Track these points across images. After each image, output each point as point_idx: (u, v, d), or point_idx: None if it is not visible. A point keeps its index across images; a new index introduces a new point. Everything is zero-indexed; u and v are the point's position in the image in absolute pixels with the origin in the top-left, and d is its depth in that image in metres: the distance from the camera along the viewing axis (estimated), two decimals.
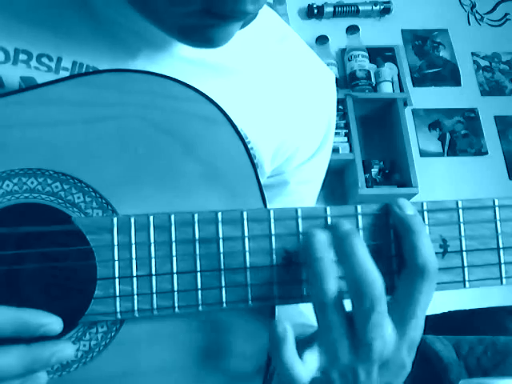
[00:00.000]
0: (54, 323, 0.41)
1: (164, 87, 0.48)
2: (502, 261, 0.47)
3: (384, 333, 0.43)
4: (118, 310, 0.44)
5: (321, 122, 0.71)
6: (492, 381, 1.11)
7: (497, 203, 0.47)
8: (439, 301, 2.27)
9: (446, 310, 1.81)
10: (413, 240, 0.43)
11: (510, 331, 1.66)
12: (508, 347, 1.35)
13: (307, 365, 0.44)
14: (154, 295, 0.44)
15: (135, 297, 0.44)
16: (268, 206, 0.47)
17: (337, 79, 2.63)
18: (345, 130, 2.52)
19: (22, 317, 0.40)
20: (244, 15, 0.47)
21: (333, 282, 0.42)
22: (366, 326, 0.42)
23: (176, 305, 0.44)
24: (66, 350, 0.42)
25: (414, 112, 2.78)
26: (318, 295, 0.43)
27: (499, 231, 0.47)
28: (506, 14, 3.06)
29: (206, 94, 0.48)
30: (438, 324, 1.77)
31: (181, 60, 0.58)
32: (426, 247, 0.43)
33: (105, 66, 0.54)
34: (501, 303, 1.94)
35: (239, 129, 0.48)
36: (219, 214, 0.45)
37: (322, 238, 0.43)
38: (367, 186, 2.44)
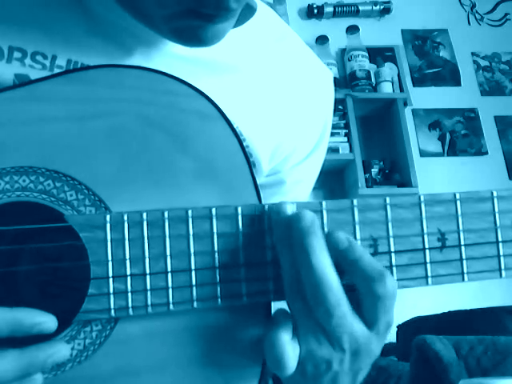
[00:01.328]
0: (49, 321, 0.41)
1: (157, 82, 0.47)
2: (501, 253, 0.47)
3: (350, 329, 0.43)
4: (112, 307, 0.44)
5: (317, 122, 0.71)
6: (492, 381, 1.10)
7: (495, 195, 0.47)
8: (439, 301, 2.27)
9: (445, 310, 1.81)
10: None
11: (510, 331, 1.65)
12: (508, 347, 1.34)
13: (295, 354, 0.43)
14: (148, 292, 0.44)
15: (129, 294, 0.44)
16: (263, 201, 0.47)
17: (337, 79, 2.64)
18: (345, 130, 2.53)
19: (16, 316, 0.40)
20: (228, 12, 0.47)
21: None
22: (330, 324, 0.42)
23: (170, 302, 0.44)
24: (61, 351, 0.42)
25: (414, 112, 2.78)
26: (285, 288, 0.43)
27: (498, 224, 0.47)
28: (506, 14, 3.07)
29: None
30: (438, 324, 1.76)
31: (176, 58, 0.58)
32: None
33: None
34: (501, 303, 1.94)
35: (235, 126, 0.48)
36: (213, 210, 0.44)
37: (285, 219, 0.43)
38: (367, 186, 2.44)
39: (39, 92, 0.47)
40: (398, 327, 1.87)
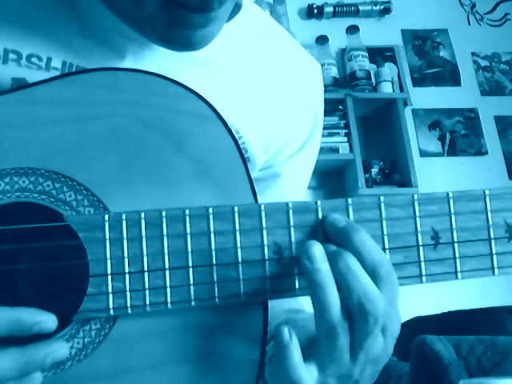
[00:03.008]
0: (49, 321, 0.41)
1: (153, 84, 0.48)
2: (494, 251, 0.47)
3: (378, 338, 0.44)
4: (111, 306, 0.44)
5: (308, 114, 0.71)
6: (492, 381, 1.10)
7: (487, 193, 0.47)
8: (439, 301, 2.27)
9: (445, 310, 1.81)
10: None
11: (510, 331, 1.65)
12: (508, 347, 1.34)
13: (310, 372, 0.44)
14: (147, 291, 0.44)
15: (128, 293, 0.44)
16: (259, 199, 0.47)
17: (337, 79, 2.64)
18: (345, 130, 2.53)
19: (16, 315, 0.40)
20: (211, 10, 0.47)
21: (337, 307, 0.43)
22: (367, 338, 0.43)
23: (169, 300, 0.44)
24: (60, 349, 0.42)
25: (414, 112, 2.78)
26: (323, 323, 0.43)
27: (490, 222, 0.47)
28: (506, 14, 3.06)
29: (195, 89, 0.48)
30: (438, 324, 1.76)
31: (168, 56, 0.58)
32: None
33: (94, 65, 0.54)
34: (501, 303, 1.93)
35: (229, 124, 0.48)
36: (210, 210, 0.45)
37: (320, 251, 0.43)
38: (367, 186, 2.44)
39: (38, 95, 0.47)
40: None
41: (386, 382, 1.46)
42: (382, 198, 0.46)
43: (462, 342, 1.35)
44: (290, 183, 0.72)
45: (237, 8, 0.57)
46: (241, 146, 0.48)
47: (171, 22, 0.49)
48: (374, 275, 0.43)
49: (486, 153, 2.76)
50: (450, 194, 0.47)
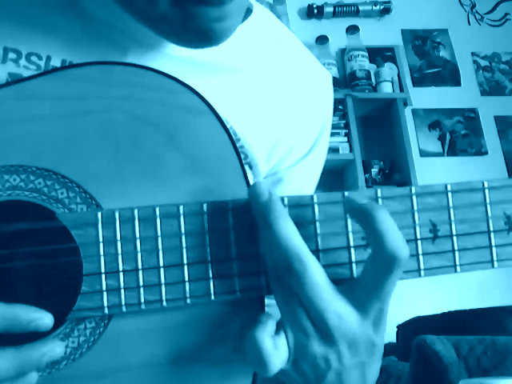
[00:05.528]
0: (45, 318, 0.41)
1: (145, 79, 0.47)
2: (493, 244, 0.46)
3: (335, 308, 0.41)
4: (105, 304, 0.43)
5: (315, 122, 0.70)
6: (492, 381, 1.10)
7: (486, 185, 0.46)
8: (439, 301, 2.26)
9: (445, 310, 1.81)
10: (377, 227, 0.40)
11: (510, 331, 1.65)
12: (508, 347, 1.35)
13: (279, 352, 0.42)
14: (141, 289, 0.44)
15: (122, 291, 0.44)
16: None
17: (337, 79, 2.64)
18: (345, 130, 2.53)
19: (12, 312, 0.40)
20: (223, 1, 0.47)
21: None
22: (309, 302, 0.41)
23: (163, 298, 0.44)
24: (56, 348, 0.42)
25: (414, 112, 2.78)
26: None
27: (489, 214, 0.46)
28: (506, 14, 3.07)
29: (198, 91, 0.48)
30: (438, 324, 1.76)
31: (172, 59, 0.57)
32: (393, 234, 0.40)
33: None
34: (501, 303, 1.94)
35: (229, 126, 0.48)
36: (204, 206, 0.44)
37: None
38: (367, 186, 2.44)
39: (29, 90, 0.47)
40: (398, 327, 1.87)
41: (386, 382, 1.46)
42: (378, 192, 0.45)
43: (462, 342, 1.35)
44: (294, 191, 0.71)
45: (247, 13, 0.56)
46: (239, 150, 0.47)
47: (186, 17, 0.48)
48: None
49: (486, 153, 2.76)
50: (449, 187, 0.46)
